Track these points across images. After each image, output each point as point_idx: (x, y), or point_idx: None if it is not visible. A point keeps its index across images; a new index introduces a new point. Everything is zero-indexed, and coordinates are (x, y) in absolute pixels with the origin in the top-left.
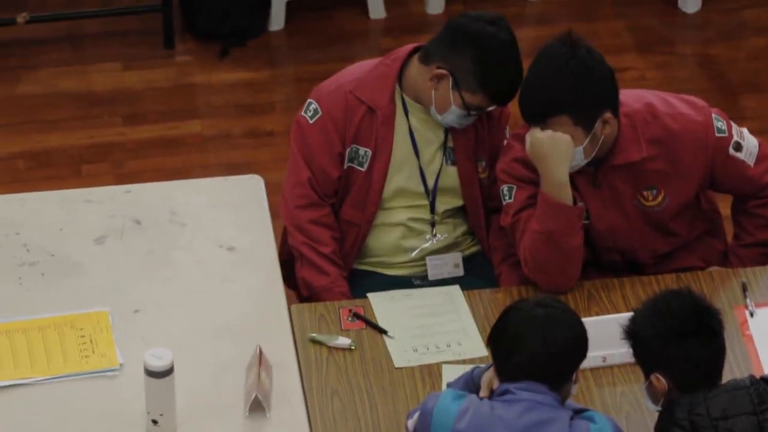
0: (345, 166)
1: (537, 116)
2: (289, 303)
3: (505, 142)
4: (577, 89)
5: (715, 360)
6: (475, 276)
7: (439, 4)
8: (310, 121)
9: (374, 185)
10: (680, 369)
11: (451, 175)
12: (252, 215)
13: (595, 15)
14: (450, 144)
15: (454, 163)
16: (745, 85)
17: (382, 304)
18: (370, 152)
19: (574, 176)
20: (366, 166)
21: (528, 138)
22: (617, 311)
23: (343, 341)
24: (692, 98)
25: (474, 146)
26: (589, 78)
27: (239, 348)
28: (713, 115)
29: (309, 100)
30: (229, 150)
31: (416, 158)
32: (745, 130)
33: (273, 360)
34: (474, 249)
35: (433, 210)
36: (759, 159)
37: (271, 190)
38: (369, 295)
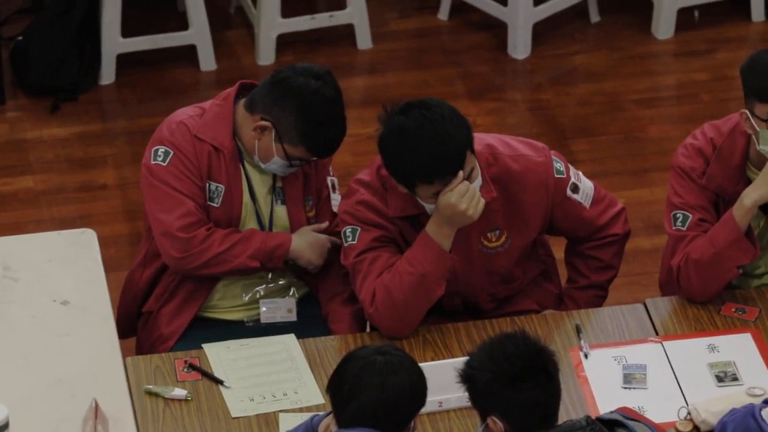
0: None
1: (457, 163)
2: (125, 355)
3: (327, 185)
4: (459, 127)
5: (551, 402)
6: (305, 317)
7: (269, 56)
8: (165, 164)
9: (230, 224)
10: (516, 412)
11: (282, 217)
12: (86, 269)
13: (426, 63)
14: (279, 184)
15: (283, 203)
16: (576, 130)
17: (217, 354)
18: (222, 188)
19: (420, 218)
20: (219, 201)
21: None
22: (453, 356)
23: (179, 392)
24: (531, 140)
25: (302, 187)
26: (453, 115)
27: (75, 401)
28: (552, 156)
29: (153, 148)
30: (62, 204)
31: (251, 199)
32: (580, 173)
33: (109, 413)
34: (304, 290)
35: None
36: (594, 201)
37: (105, 243)
38: (204, 346)
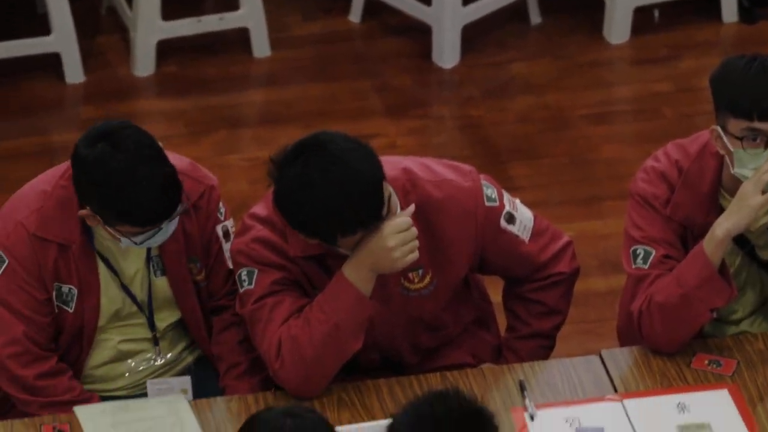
0: (55, 308)
1: (374, 217)
2: None
3: (218, 235)
4: (370, 167)
5: None
6: (201, 376)
7: (148, 65)
8: None
9: (87, 327)
10: None
11: (163, 289)
12: None
13: (333, 74)
14: (155, 253)
15: (163, 273)
16: (514, 152)
17: (92, 418)
18: (75, 290)
19: (327, 258)
20: (73, 306)
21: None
22: (373, 418)
23: None
24: (457, 163)
25: (183, 249)
26: (360, 155)
27: None
28: (482, 181)
29: None
30: None
31: (117, 280)
32: (517, 201)
33: None
34: (197, 353)
35: (153, 327)
36: (534, 234)
37: None
38: (75, 409)
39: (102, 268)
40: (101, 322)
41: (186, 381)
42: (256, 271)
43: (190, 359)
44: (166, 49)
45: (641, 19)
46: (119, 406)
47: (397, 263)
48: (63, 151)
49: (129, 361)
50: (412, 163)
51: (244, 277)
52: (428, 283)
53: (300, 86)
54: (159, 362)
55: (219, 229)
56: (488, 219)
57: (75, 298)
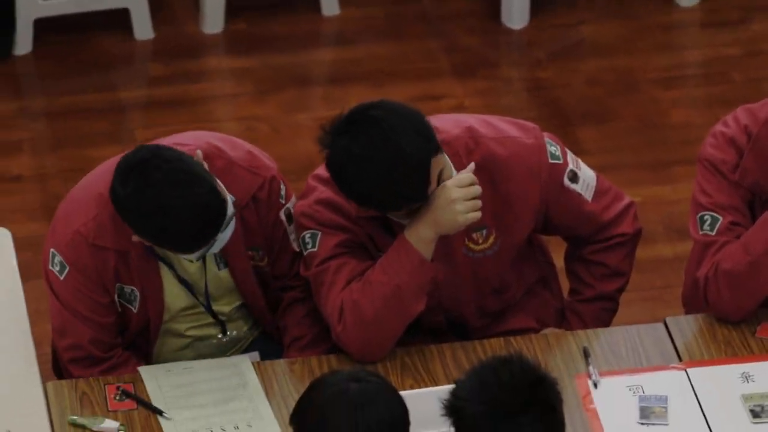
0: (119, 307)
1: (423, 193)
2: (45, 379)
3: (281, 219)
4: (423, 144)
5: None
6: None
7: (216, 23)
8: (61, 278)
9: (153, 323)
10: None
11: (225, 278)
12: None
13: (403, 34)
14: (216, 250)
15: (226, 265)
16: (582, 115)
17: (156, 379)
18: (137, 292)
19: (393, 221)
20: (136, 306)
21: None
22: (436, 383)
23: (111, 424)
24: (520, 120)
25: (243, 241)
26: (414, 126)
27: None
28: (546, 138)
29: (51, 250)
30: None
31: (179, 282)
32: (580, 161)
33: None
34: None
35: (215, 316)
36: (597, 194)
37: (21, 245)
38: (140, 369)
39: (163, 268)
40: (166, 317)
41: (255, 356)
42: (320, 233)
43: (256, 335)
44: (235, 7)
45: None
46: (183, 366)
47: (459, 219)
48: (131, 108)
49: (197, 343)
50: (475, 120)
51: (307, 239)
52: (492, 243)
53: (369, 45)
54: (225, 340)
55: (282, 214)
56: (552, 176)
57: (138, 298)
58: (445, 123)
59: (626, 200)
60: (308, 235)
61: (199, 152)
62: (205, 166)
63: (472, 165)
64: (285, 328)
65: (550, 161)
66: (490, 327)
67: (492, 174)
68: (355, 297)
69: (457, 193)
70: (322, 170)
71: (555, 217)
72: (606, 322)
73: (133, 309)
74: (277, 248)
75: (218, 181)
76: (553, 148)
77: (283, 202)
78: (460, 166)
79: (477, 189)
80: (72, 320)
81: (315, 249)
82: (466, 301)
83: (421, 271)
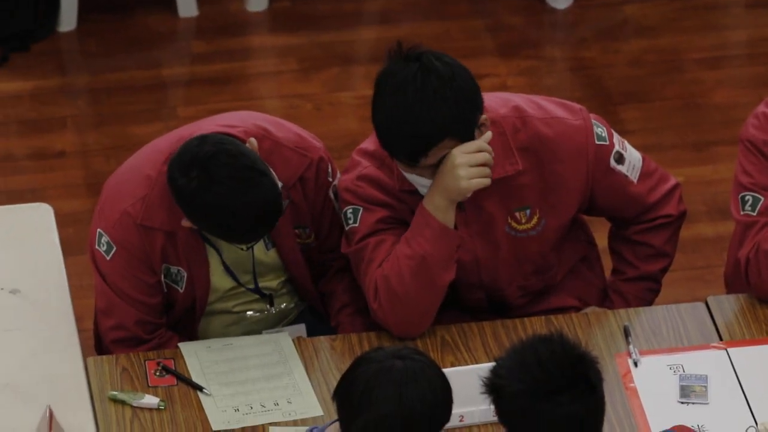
0: (164, 287)
1: (418, 152)
2: (86, 354)
3: (330, 197)
4: (449, 107)
5: (594, 418)
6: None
7: (261, 1)
8: (108, 258)
9: (199, 302)
10: (553, 429)
11: (273, 257)
12: (40, 251)
13: (447, 13)
14: None
15: (274, 245)
16: (626, 95)
17: (196, 355)
18: (184, 272)
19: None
20: (183, 286)
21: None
22: (476, 361)
23: (151, 400)
24: (566, 101)
25: (291, 221)
26: (455, 87)
27: (26, 409)
28: (592, 119)
29: (98, 230)
30: (11, 174)
31: (226, 269)
32: (626, 142)
33: (66, 423)
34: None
35: (262, 294)
36: (643, 175)
37: (63, 221)
38: (180, 345)
39: (210, 250)
40: (212, 298)
41: (301, 329)
42: (361, 209)
43: (302, 308)
44: None
45: None
46: (224, 343)
47: (462, 184)
48: (174, 85)
49: (244, 320)
50: (522, 100)
51: (349, 215)
52: (536, 223)
53: (413, 24)
54: (274, 312)
55: (330, 192)
56: (598, 157)
57: (185, 279)
58: (491, 101)
59: (672, 181)
60: (350, 211)
61: (253, 141)
62: (256, 147)
63: (488, 134)
64: (333, 294)
65: (597, 142)
66: (530, 305)
67: (538, 154)
68: (385, 273)
69: (461, 158)
70: (366, 144)
71: (600, 198)
72: (649, 303)
73: (179, 289)
74: (327, 225)
75: (269, 168)
76: (600, 129)
77: (331, 180)
78: (506, 146)
79: (484, 156)
80: (118, 301)
81: (356, 225)
82: (507, 279)
83: (444, 240)
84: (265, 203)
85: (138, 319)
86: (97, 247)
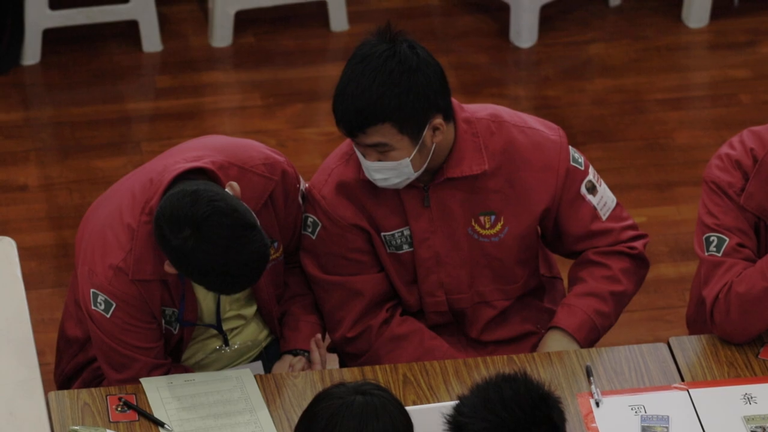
0: (164, 329)
1: (355, 126)
2: (47, 389)
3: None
4: (398, 93)
5: None
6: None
7: (225, 36)
8: (108, 315)
9: (185, 339)
10: None
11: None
12: (2, 285)
13: None
14: None
15: None
16: (589, 134)
17: (158, 390)
18: (176, 312)
19: (402, 193)
20: (177, 327)
21: None
22: (438, 399)
23: None
24: (546, 120)
25: None
26: (412, 79)
27: None
28: (570, 147)
29: (91, 290)
30: None
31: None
32: (603, 182)
33: None
34: (269, 339)
35: (222, 332)
36: (612, 217)
37: (25, 254)
38: (143, 380)
39: (196, 286)
40: (197, 332)
41: (258, 367)
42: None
43: (268, 342)
44: (243, 21)
45: (720, 3)
46: (185, 378)
47: None
48: (138, 119)
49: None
50: (502, 110)
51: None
52: (499, 230)
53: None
54: (228, 352)
55: (299, 198)
56: (569, 178)
57: (177, 316)
58: (474, 107)
59: (642, 232)
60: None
61: (234, 185)
62: (238, 191)
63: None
64: (287, 284)
65: (571, 163)
66: (488, 330)
67: (510, 159)
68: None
69: None
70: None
71: (565, 223)
72: (594, 329)
73: (173, 330)
74: (299, 229)
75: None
76: (577, 154)
77: (299, 186)
78: (476, 146)
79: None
80: (129, 354)
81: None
82: (466, 282)
83: None
84: (258, 257)
85: (150, 365)
86: (94, 308)
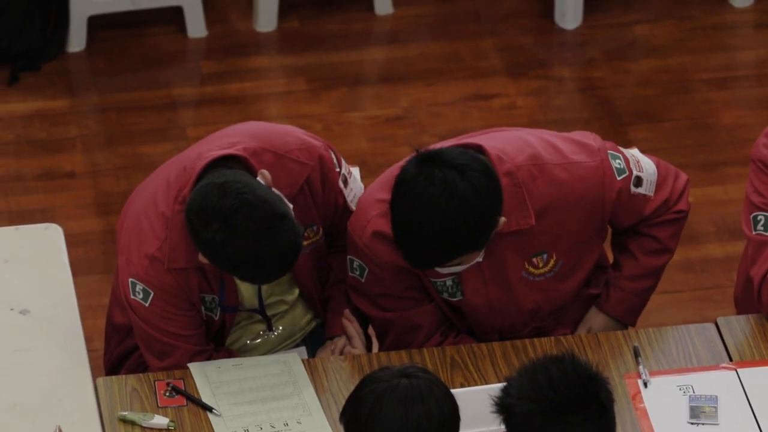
0: (204, 316)
1: (430, 265)
2: (95, 375)
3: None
4: (472, 228)
5: None
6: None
7: (270, 21)
8: (147, 305)
9: (227, 326)
10: None
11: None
12: (49, 272)
13: (456, 32)
14: None
15: None
16: (635, 115)
17: (206, 375)
18: (216, 298)
19: None
20: (218, 313)
21: None
22: (486, 382)
23: (160, 420)
24: (581, 137)
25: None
26: (478, 204)
27: (35, 430)
28: (609, 152)
29: (129, 280)
30: (21, 194)
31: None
32: (636, 152)
33: None
34: (314, 324)
35: (266, 317)
36: (659, 185)
37: (72, 241)
38: (191, 365)
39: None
40: (238, 318)
41: (302, 352)
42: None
43: (307, 330)
44: (288, 5)
45: None
46: (234, 363)
47: None
48: (183, 105)
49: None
50: (538, 143)
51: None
52: (553, 266)
53: (421, 44)
54: (273, 337)
55: (340, 182)
56: (621, 191)
57: (217, 305)
58: (508, 147)
59: (683, 178)
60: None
61: (265, 173)
62: (269, 179)
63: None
64: (332, 267)
65: (618, 178)
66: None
67: (555, 201)
68: None
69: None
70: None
71: (619, 218)
72: (645, 300)
73: (214, 316)
74: (340, 213)
75: (287, 203)
76: (618, 161)
77: (338, 170)
78: (520, 198)
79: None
80: (170, 342)
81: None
82: (522, 322)
83: None
84: (290, 247)
85: (191, 352)
86: (132, 297)
